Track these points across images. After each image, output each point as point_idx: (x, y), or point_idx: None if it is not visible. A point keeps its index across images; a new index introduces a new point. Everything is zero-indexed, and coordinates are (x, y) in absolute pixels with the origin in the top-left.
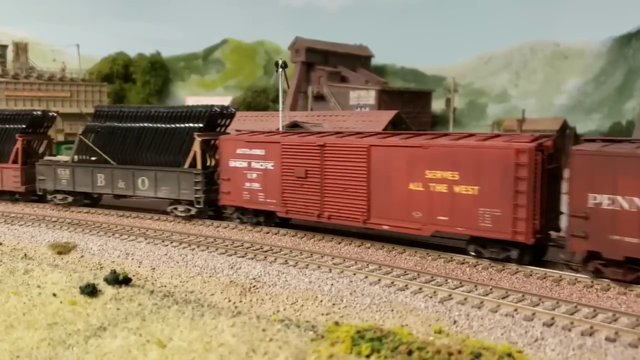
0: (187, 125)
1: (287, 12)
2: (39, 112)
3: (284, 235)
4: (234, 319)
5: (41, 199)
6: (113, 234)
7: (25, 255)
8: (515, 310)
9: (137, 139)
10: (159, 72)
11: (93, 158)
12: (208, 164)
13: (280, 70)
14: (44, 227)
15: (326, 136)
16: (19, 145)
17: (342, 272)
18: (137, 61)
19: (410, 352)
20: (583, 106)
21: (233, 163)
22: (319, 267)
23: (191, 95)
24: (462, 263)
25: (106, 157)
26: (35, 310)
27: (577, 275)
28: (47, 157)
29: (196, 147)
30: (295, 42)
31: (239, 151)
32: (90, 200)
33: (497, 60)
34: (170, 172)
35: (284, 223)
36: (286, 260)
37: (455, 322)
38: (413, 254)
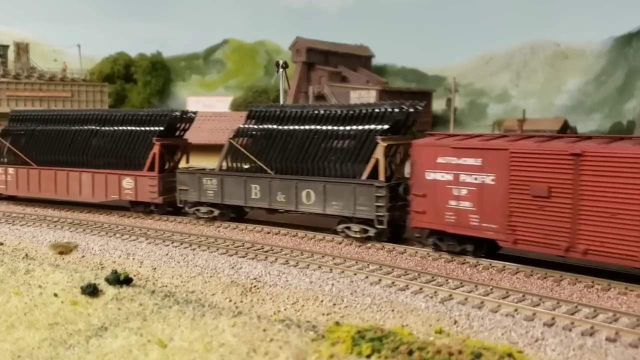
0: (367, 127)
1: (287, 12)
2: (177, 113)
3: (285, 235)
4: (235, 319)
5: (178, 210)
6: (114, 234)
7: (27, 255)
8: (516, 310)
9: (301, 144)
10: (160, 72)
11: (246, 166)
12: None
13: (281, 70)
14: (45, 227)
15: (581, 142)
16: (156, 150)
17: (342, 272)
18: (138, 61)
19: (410, 352)
20: (584, 106)
21: (432, 175)
22: (319, 267)
23: (192, 95)
24: (463, 263)
25: (262, 164)
26: (36, 310)
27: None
28: (186, 165)
29: (379, 154)
30: (295, 42)
31: (440, 160)
32: (238, 215)
33: (498, 60)
34: (344, 184)
35: (495, 253)
36: (287, 260)
37: (455, 322)
38: (414, 254)
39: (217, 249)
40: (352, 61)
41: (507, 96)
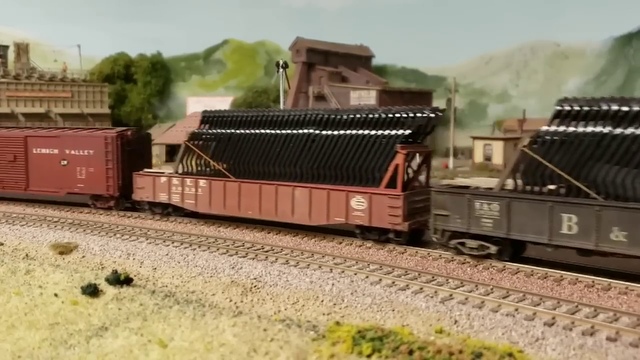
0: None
1: (287, 12)
2: (428, 112)
3: (285, 235)
4: (235, 318)
5: (415, 239)
6: (114, 234)
7: (27, 255)
8: (516, 309)
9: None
10: (160, 72)
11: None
12: None
13: (281, 70)
14: (46, 227)
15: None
16: (399, 160)
17: (343, 272)
18: (138, 61)
19: (411, 352)
20: None
21: None
22: (320, 267)
23: (192, 95)
24: (463, 263)
25: (577, 183)
26: (36, 310)
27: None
28: None
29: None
30: (296, 43)
31: None
32: (517, 251)
33: (498, 60)
34: None
35: None
36: (287, 260)
37: (456, 321)
38: (414, 254)
39: (218, 249)
40: (352, 61)
41: (507, 96)
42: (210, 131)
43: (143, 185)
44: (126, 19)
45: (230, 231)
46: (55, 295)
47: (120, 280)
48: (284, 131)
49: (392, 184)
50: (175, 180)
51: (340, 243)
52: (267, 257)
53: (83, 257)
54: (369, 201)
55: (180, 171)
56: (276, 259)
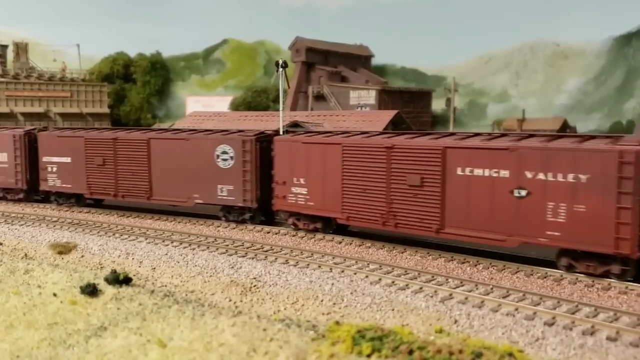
0: None
1: (287, 12)
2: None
3: (285, 235)
4: (235, 318)
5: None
6: (113, 234)
7: (26, 255)
8: (516, 309)
9: None
10: (159, 72)
11: None
12: None
13: (280, 70)
14: (45, 227)
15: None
16: None
17: (342, 271)
18: (138, 61)
19: (411, 352)
20: (583, 106)
21: None
22: (319, 266)
23: (191, 95)
24: (463, 262)
25: None
26: (35, 310)
27: (577, 274)
28: None
29: None
30: (295, 42)
31: None
32: None
33: (498, 60)
34: None
35: None
36: (287, 260)
37: (456, 321)
38: (414, 253)
39: (217, 249)
40: (351, 61)
41: (506, 96)
42: None
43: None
44: (126, 18)
45: (230, 231)
46: (54, 295)
47: (119, 279)
48: None
49: None
50: None
51: (340, 243)
52: (266, 257)
53: (82, 256)
54: None
55: None
56: (276, 259)
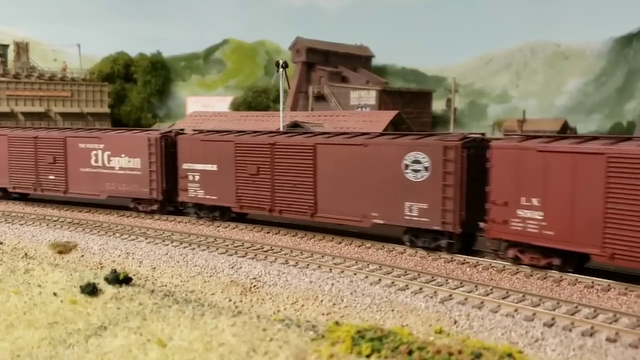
0: None
1: (287, 12)
2: None
3: (285, 235)
4: (235, 318)
5: None
6: (114, 234)
7: (26, 254)
8: (516, 310)
9: None
10: (160, 72)
11: None
12: None
13: (280, 70)
14: (45, 226)
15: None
16: None
17: (342, 272)
18: (138, 61)
19: (410, 352)
20: (584, 107)
21: None
22: (319, 267)
23: (192, 95)
24: (463, 263)
25: None
26: (35, 309)
27: (577, 275)
28: None
29: None
30: (295, 42)
31: None
32: None
33: (498, 60)
34: None
35: None
36: (287, 260)
37: (455, 322)
38: (414, 254)
39: (217, 249)
40: (352, 61)
41: (507, 96)
42: None
43: None
44: (126, 18)
45: (230, 231)
46: (55, 294)
47: (120, 279)
48: None
49: None
50: None
51: (340, 243)
52: (266, 257)
53: (82, 256)
54: None
55: None
56: (275, 259)
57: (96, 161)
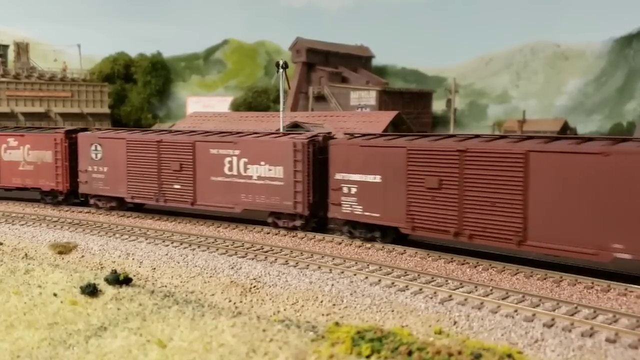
0: None
1: (287, 12)
2: None
3: (285, 235)
4: (235, 319)
5: None
6: (114, 234)
7: (26, 255)
8: (516, 311)
9: None
10: (160, 72)
11: None
12: None
13: (281, 70)
14: (45, 227)
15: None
16: None
17: (342, 272)
18: (138, 61)
19: (410, 353)
20: (584, 107)
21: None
22: (319, 267)
23: (192, 95)
24: (463, 264)
25: None
26: (35, 310)
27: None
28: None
29: None
30: (296, 43)
31: None
32: None
33: (498, 61)
34: None
35: None
36: (287, 261)
37: (455, 322)
38: (413, 254)
39: (217, 249)
40: (352, 62)
41: (507, 97)
42: None
43: None
44: (126, 18)
45: (230, 231)
46: (55, 295)
47: (120, 280)
48: None
49: None
50: None
51: (340, 244)
52: (266, 258)
53: (82, 257)
54: None
55: None
56: (275, 260)
57: (230, 169)
